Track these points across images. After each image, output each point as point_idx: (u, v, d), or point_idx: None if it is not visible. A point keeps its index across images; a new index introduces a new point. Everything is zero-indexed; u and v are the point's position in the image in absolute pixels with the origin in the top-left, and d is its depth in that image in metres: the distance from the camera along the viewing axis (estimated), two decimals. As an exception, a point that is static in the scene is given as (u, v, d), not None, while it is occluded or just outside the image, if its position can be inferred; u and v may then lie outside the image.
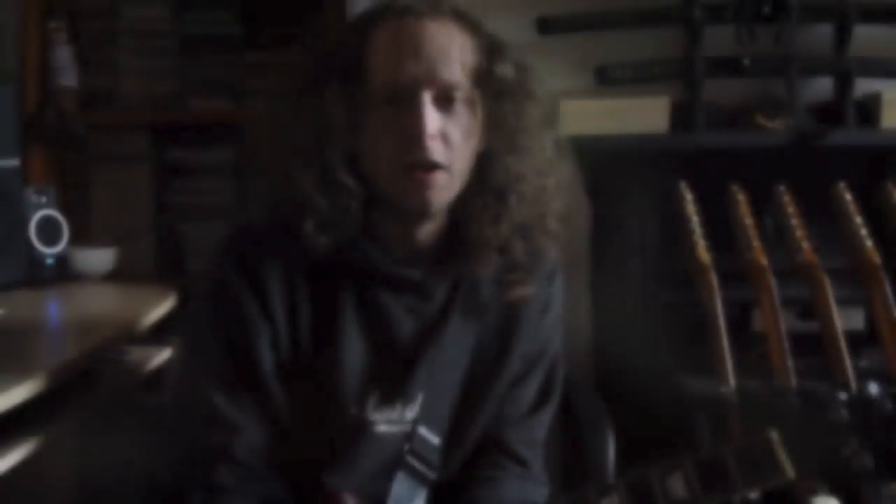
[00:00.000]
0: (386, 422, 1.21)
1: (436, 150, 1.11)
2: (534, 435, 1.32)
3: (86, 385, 1.47)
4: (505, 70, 1.16)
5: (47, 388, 1.24)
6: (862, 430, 0.95)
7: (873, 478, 0.94)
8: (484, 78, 1.15)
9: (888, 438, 0.94)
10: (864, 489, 1.51)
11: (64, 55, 2.37)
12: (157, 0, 2.46)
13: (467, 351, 1.24)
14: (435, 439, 1.23)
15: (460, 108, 1.13)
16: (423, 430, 1.22)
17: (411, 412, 1.22)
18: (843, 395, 0.94)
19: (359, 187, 1.15)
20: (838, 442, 0.94)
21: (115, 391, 1.59)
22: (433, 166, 1.12)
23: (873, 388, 0.94)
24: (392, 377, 1.21)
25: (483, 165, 1.19)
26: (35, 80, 2.36)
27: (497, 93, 1.16)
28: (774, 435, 0.98)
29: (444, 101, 1.12)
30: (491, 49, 1.16)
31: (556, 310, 1.32)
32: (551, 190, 1.22)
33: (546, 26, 2.01)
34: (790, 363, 1.71)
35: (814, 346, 1.76)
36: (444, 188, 1.14)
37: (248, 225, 1.20)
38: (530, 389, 1.31)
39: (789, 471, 0.96)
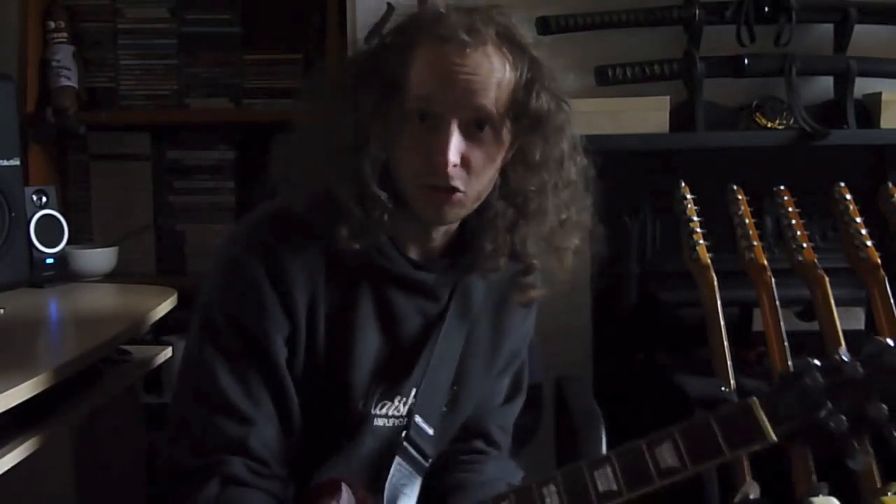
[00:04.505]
0: (384, 416, 1.24)
1: (455, 177, 1.12)
2: (507, 422, 1.42)
3: (86, 385, 1.47)
4: (540, 104, 1.14)
5: (48, 387, 1.24)
6: (835, 393, 1.00)
7: (847, 439, 0.99)
8: (518, 111, 1.14)
9: (859, 401, 0.99)
10: (862, 492, 1.52)
11: (64, 55, 2.37)
12: (157, 0, 2.46)
13: (459, 348, 1.28)
14: (430, 430, 1.26)
15: (487, 136, 1.13)
16: (419, 420, 1.25)
17: (406, 406, 1.25)
18: (816, 362, 1.02)
19: (390, 199, 1.15)
20: (815, 405, 1.00)
21: (115, 391, 1.59)
22: (451, 190, 1.13)
23: (844, 356, 1.01)
24: (395, 373, 1.24)
25: (504, 178, 1.19)
26: (35, 80, 2.36)
27: (528, 126, 1.15)
28: (755, 400, 1.01)
29: (473, 128, 1.12)
30: (531, 79, 1.14)
31: (534, 312, 1.38)
32: (570, 226, 1.23)
33: (546, 26, 2.01)
34: (790, 363, 1.71)
35: (814, 346, 1.76)
36: (459, 206, 1.16)
37: (273, 214, 1.20)
38: (506, 382, 1.40)
39: (771, 434, 0.99)
